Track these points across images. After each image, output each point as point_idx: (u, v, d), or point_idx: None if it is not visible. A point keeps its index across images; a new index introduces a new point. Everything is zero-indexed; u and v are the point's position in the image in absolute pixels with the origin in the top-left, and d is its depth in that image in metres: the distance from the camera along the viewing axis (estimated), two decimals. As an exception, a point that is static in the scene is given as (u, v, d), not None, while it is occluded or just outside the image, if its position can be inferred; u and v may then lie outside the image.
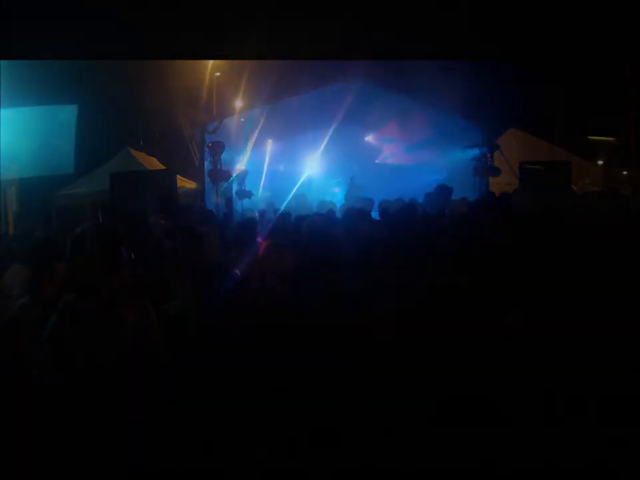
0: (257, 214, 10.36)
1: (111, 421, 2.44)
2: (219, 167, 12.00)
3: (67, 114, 12.11)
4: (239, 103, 14.06)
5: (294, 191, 16.48)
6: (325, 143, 15.97)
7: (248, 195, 13.25)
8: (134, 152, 11.94)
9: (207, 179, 13.10)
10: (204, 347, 3.54)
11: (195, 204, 10.35)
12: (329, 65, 13.02)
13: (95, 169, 11.75)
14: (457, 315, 3.19)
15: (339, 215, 8.38)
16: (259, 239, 6.18)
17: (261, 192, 15.97)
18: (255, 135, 15.07)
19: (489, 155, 13.43)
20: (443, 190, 9.23)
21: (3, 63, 9.31)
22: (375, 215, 7.72)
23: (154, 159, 12.27)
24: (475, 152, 13.91)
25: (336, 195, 16.90)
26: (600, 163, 13.89)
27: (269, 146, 16.34)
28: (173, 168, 11.72)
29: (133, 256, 3.01)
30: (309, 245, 4.74)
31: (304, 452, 2.90)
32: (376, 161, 17.25)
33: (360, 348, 3.23)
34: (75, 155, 12.08)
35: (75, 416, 2.39)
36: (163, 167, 12.09)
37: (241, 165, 14.75)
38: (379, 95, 14.49)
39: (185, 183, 12.31)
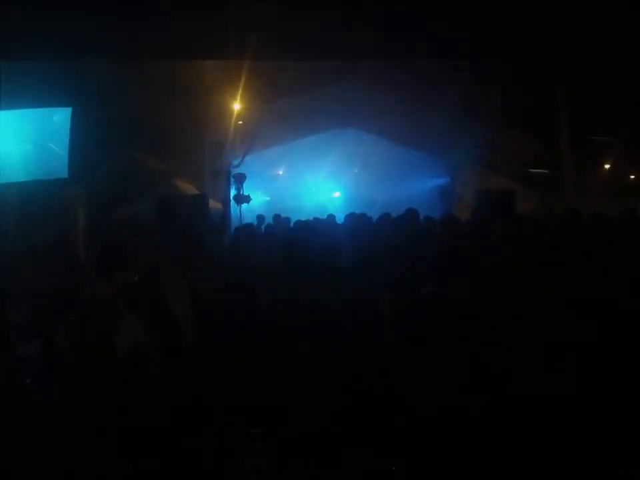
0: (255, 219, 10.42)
1: (104, 426, 2.47)
2: (241, 192, 13.44)
3: (61, 116, 12.13)
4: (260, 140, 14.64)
5: (293, 194, 16.50)
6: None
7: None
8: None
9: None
10: (199, 356, 3.56)
11: (194, 206, 10.39)
12: (329, 67, 13.13)
13: (91, 171, 11.78)
14: (458, 322, 3.22)
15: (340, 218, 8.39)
16: (258, 245, 6.21)
17: (259, 196, 15.98)
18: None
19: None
20: (444, 192, 9.36)
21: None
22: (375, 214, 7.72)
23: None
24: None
25: (336, 200, 16.91)
26: (606, 166, 13.92)
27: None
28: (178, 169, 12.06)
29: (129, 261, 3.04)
30: (310, 251, 4.75)
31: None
32: (377, 163, 17.14)
33: (363, 352, 3.25)
34: (69, 158, 12.08)
35: (69, 421, 2.42)
36: (164, 168, 12.31)
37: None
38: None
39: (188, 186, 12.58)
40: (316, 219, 8.16)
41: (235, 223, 11.79)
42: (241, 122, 15.26)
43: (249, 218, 12.16)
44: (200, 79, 13.26)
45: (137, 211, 11.55)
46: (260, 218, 10.31)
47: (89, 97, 11.69)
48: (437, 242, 4.96)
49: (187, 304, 4.23)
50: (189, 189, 14.16)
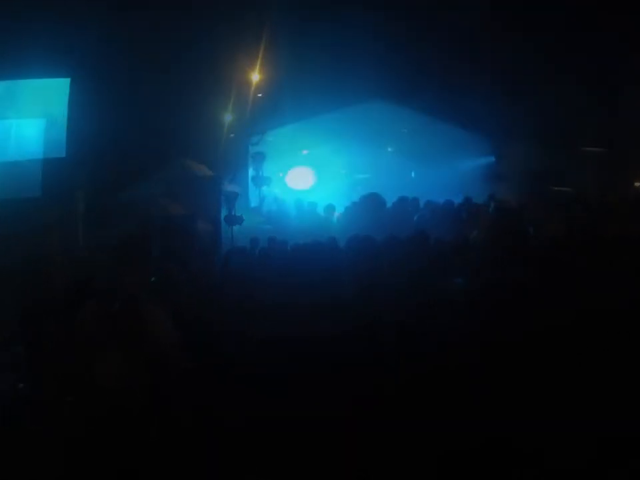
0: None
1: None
2: (260, 173, 13.84)
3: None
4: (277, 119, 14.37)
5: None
6: (350, 122, 15.53)
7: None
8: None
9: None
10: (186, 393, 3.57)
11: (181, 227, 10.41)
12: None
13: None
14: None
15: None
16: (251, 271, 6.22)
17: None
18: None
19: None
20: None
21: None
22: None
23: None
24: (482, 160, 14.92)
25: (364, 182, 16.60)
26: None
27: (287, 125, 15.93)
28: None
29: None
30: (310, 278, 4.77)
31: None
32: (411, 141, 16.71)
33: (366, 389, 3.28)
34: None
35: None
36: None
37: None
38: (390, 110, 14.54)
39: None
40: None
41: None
42: (260, 94, 14.48)
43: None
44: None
45: (119, 233, 11.56)
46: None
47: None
48: (447, 267, 5.00)
49: (169, 335, 4.23)
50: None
